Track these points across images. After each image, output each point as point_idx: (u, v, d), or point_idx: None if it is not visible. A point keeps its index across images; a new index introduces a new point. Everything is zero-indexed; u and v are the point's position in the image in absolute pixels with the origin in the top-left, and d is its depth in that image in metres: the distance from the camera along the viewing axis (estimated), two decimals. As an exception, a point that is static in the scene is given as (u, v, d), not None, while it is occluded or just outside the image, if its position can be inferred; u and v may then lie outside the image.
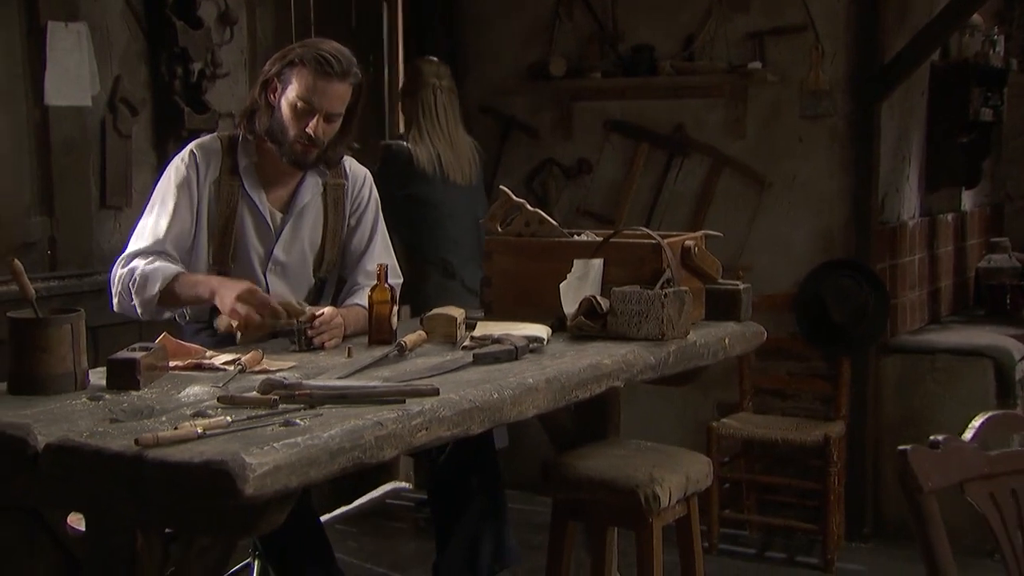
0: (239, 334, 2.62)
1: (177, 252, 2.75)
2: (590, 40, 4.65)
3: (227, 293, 2.59)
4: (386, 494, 4.88)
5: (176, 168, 2.78)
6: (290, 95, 2.70)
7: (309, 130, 2.70)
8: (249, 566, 2.91)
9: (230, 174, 2.80)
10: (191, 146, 2.83)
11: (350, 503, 4.68)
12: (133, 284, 2.66)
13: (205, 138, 2.89)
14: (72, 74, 3.40)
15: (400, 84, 4.55)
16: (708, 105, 4.49)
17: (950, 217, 5.01)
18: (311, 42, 2.80)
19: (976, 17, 4.62)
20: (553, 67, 4.60)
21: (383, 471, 4.94)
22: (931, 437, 1.74)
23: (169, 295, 2.66)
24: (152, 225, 2.75)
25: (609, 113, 4.67)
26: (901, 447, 1.70)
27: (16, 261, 2.20)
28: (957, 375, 4.10)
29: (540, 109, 4.78)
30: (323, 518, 4.13)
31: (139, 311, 2.70)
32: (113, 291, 2.73)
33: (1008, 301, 4.85)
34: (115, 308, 2.74)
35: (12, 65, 3.27)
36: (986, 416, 1.79)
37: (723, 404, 4.40)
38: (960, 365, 4.10)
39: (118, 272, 2.71)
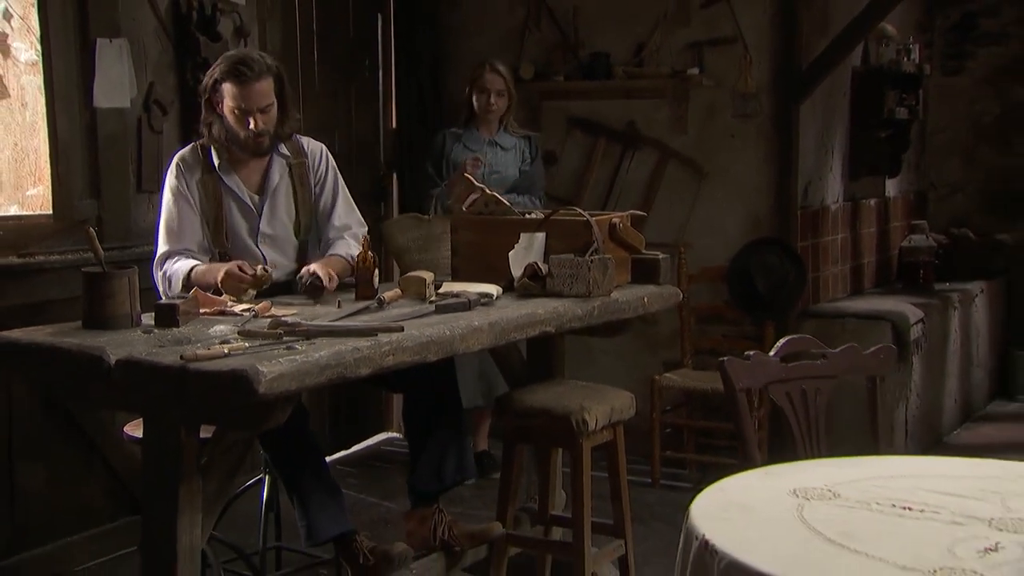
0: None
1: (195, 245, 3.41)
2: (555, 48, 5.32)
3: (218, 276, 3.23)
4: (380, 442, 5.60)
5: (169, 182, 3.44)
6: (227, 104, 3.32)
7: (252, 127, 3.32)
8: (261, 480, 3.56)
9: (209, 173, 3.44)
10: (175, 160, 3.48)
11: (349, 448, 5.40)
12: (167, 284, 3.36)
13: (184, 149, 3.53)
14: (115, 81, 4.01)
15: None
16: (655, 105, 5.17)
17: (873, 202, 5.71)
18: (226, 57, 3.37)
19: (891, 29, 5.30)
20: (523, 71, 5.26)
21: (379, 422, 5.68)
22: (745, 352, 2.44)
23: (191, 287, 3.26)
24: (169, 229, 3.41)
25: (571, 111, 5.33)
26: (722, 358, 2.40)
27: (90, 229, 2.90)
28: (861, 336, 4.74)
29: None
30: (327, 459, 4.82)
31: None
32: (160, 289, 3.40)
33: (921, 275, 5.55)
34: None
35: (69, 75, 3.92)
36: (786, 339, 2.49)
37: (668, 362, 5.08)
38: (864, 327, 4.78)
39: (156, 275, 3.40)
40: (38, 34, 3.90)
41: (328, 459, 4.84)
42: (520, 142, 4.87)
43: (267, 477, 3.53)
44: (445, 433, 3.47)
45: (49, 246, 3.87)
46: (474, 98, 4.80)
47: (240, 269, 3.25)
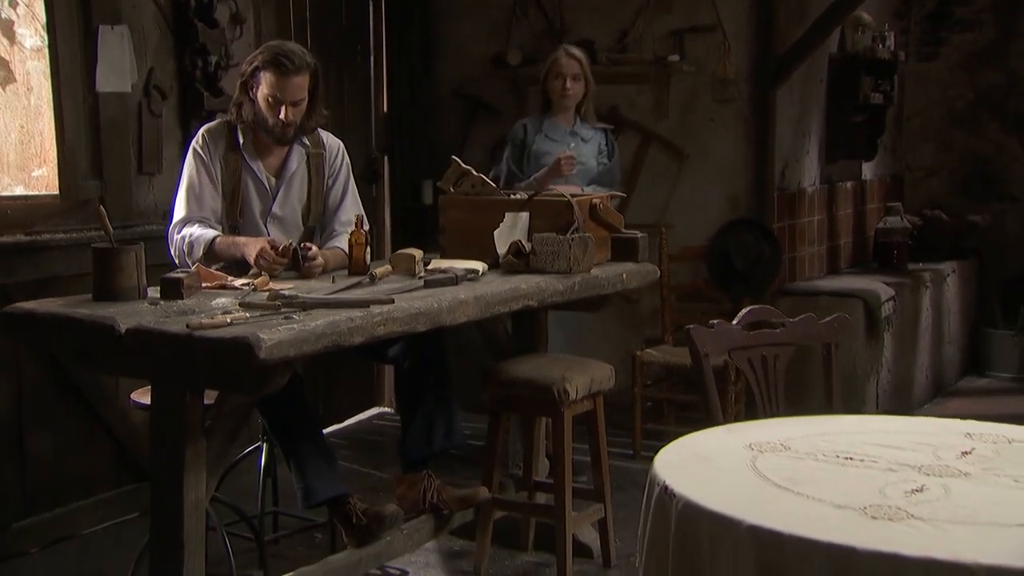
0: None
1: (212, 215, 3.55)
2: (542, 35, 5.49)
3: (250, 253, 3.40)
4: (372, 416, 5.79)
5: (194, 150, 3.57)
6: (262, 91, 3.46)
7: (282, 117, 3.46)
8: (260, 448, 3.72)
9: (232, 151, 3.58)
10: (202, 130, 3.61)
11: (343, 422, 5.58)
12: (188, 249, 3.47)
13: (212, 123, 3.67)
14: (116, 66, 4.16)
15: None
16: (638, 90, 5.35)
17: (849, 185, 5.90)
18: (270, 46, 3.51)
19: (867, 16, 5.48)
20: (511, 57, 5.44)
21: (371, 397, 5.87)
22: (710, 321, 2.64)
23: (212, 256, 3.45)
24: (190, 195, 3.53)
25: (558, 96, 5.50)
26: (688, 326, 2.59)
27: (101, 207, 3.08)
28: (833, 312, 4.93)
29: (501, 93, 5.60)
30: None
31: (192, 268, 3.46)
32: (173, 252, 3.52)
33: (896, 256, 5.75)
34: (176, 264, 3.52)
35: (73, 61, 4.07)
36: (748, 308, 2.68)
37: (650, 339, 5.26)
38: (837, 304, 4.95)
39: (175, 237, 3.50)
40: (43, 21, 4.06)
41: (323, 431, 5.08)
42: (597, 134, 4.70)
43: (265, 445, 3.69)
44: (434, 402, 3.63)
45: (54, 224, 4.03)
46: (549, 84, 4.59)
47: (272, 247, 3.37)
